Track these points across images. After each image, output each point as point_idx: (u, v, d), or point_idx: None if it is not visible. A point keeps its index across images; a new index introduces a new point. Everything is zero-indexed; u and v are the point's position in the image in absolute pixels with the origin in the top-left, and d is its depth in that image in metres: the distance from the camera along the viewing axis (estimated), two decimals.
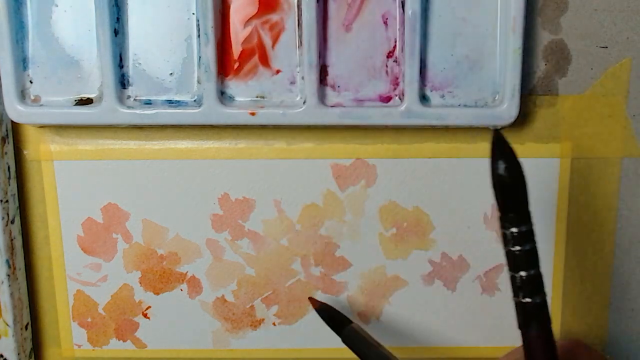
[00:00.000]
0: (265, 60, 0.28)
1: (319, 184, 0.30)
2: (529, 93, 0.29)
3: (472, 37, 0.28)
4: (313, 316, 0.31)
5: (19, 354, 0.30)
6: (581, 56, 0.29)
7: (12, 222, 0.30)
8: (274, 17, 0.28)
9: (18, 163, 0.30)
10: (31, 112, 0.28)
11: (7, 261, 0.29)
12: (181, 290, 0.31)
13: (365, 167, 0.30)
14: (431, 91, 0.28)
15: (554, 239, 0.31)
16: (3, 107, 0.28)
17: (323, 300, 0.31)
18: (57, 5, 0.28)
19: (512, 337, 0.31)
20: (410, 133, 0.30)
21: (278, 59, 0.28)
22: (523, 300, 0.21)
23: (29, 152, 0.30)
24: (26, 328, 0.31)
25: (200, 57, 0.28)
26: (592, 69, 0.29)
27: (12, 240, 0.30)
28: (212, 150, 0.30)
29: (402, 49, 0.28)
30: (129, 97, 0.29)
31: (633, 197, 0.30)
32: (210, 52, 0.27)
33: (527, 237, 0.21)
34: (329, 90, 0.28)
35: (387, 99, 0.28)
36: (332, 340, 0.29)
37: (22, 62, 0.28)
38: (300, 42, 0.28)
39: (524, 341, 0.21)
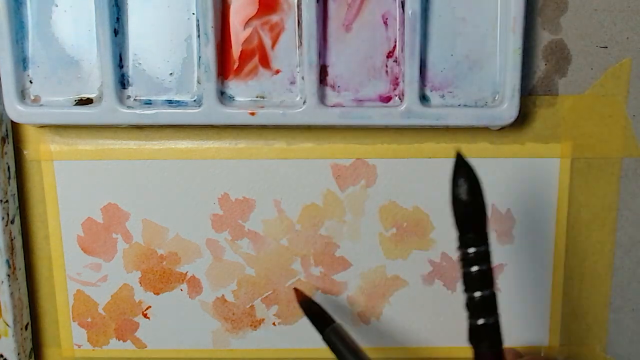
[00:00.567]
0: (265, 61, 0.28)
1: (319, 184, 0.30)
2: (529, 93, 0.29)
3: (472, 37, 0.28)
4: None
5: (19, 354, 0.30)
6: (581, 56, 0.29)
7: (12, 222, 0.30)
8: (274, 18, 0.28)
9: (18, 163, 0.30)
10: (31, 112, 0.28)
11: (7, 261, 0.29)
12: (181, 290, 0.31)
13: (365, 167, 0.30)
14: (431, 91, 0.28)
15: (554, 239, 0.31)
16: (3, 107, 0.28)
17: (322, 301, 0.31)
18: (57, 5, 0.28)
19: (512, 337, 0.31)
20: (410, 133, 0.30)
21: (278, 59, 0.28)
22: (478, 322, 0.21)
23: (28, 152, 0.30)
24: (26, 328, 0.31)
25: (200, 57, 0.28)
26: (592, 69, 0.29)
27: (12, 240, 0.30)
28: (212, 150, 0.30)
29: (402, 49, 0.28)
30: (128, 97, 0.29)
31: (633, 197, 0.30)
32: (210, 52, 0.27)
33: (485, 257, 0.21)
34: (329, 90, 0.28)
35: (387, 99, 0.28)
36: None
37: (22, 62, 0.28)
38: (300, 42, 0.28)
39: (474, 358, 0.22)
